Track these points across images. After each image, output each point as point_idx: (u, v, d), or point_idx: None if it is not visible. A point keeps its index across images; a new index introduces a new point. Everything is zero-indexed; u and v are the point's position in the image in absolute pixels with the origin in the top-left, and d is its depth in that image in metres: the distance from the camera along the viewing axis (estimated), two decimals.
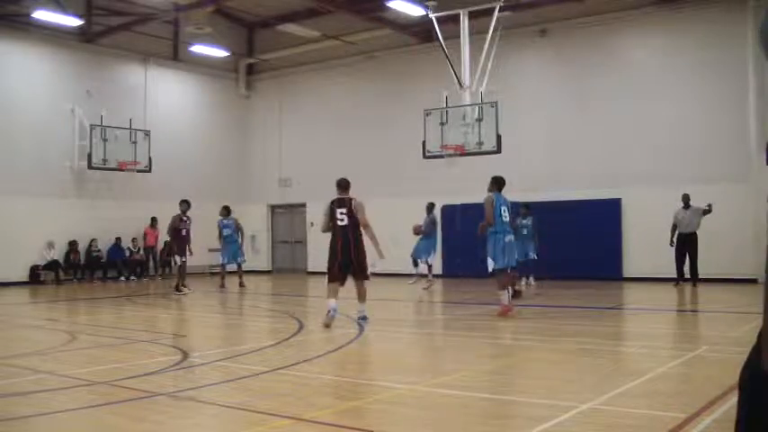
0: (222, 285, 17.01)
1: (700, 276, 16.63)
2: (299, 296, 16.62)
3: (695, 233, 15.62)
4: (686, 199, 15.74)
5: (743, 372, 1.24)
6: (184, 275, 15.93)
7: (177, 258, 15.77)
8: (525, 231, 14.92)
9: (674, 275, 16.84)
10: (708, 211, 15.42)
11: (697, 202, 16.62)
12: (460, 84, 16.58)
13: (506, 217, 10.79)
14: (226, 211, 17.51)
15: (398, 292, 16.37)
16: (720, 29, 17.31)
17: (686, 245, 15.65)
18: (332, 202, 9.77)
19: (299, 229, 24.02)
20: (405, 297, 15.37)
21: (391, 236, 11.23)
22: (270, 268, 24.62)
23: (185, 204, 15.85)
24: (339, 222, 9.61)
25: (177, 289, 15.78)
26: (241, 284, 17.28)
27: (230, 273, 17.94)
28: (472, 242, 18.68)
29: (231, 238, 17.37)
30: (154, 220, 21.28)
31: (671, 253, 17.01)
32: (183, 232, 15.71)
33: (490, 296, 13.06)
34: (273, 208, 24.84)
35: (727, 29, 17.22)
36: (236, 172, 24.67)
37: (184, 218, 15.79)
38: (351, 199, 9.78)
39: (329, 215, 9.72)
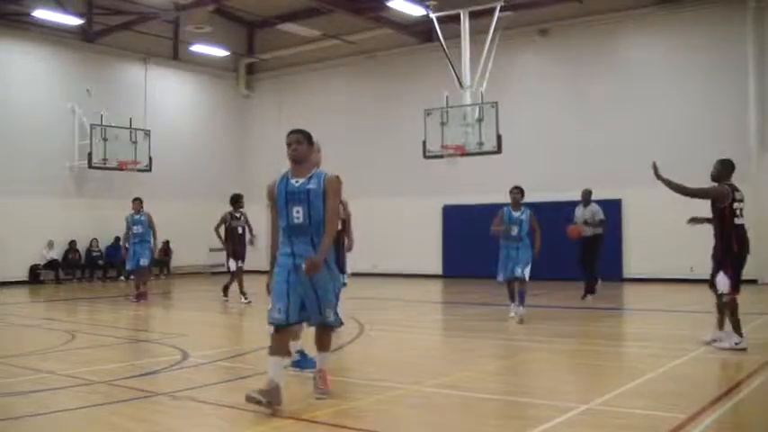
0: (141, 294, 13.93)
1: (701, 277, 16.55)
2: None
3: (600, 235, 13.32)
4: (586, 195, 13.55)
5: None
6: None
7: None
8: (514, 232, 10.19)
9: (673, 276, 16.85)
10: (602, 222, 13.29)
11: (698, 202, 16.47)
12: (461, 84, 16.57)
13: None
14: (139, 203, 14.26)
15: (399, 292, 16.38)
16: (720, 29, 17.31)
17: (586, 248, 13.30)
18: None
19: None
20: (407, 297, 15.36)
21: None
22: (269, 268, 24.62)
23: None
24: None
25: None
26: (140, 294, 13.91)
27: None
28: (472, 242, 18.72)
29: (142, 236, 14.07)
30: None
31: (671, 253, 17.00)
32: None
33: (490, 297, 13.07)
34: None
35: (727, 29, 17.22)
36: (236, 171, 24.64)
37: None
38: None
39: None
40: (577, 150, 18.68)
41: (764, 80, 16.81)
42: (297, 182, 5.25)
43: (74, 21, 19.58)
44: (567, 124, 19.01)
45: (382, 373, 6.43)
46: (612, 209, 18.01)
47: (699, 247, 16.80)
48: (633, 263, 17.84)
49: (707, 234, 17.24)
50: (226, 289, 13.92)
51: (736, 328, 7.63)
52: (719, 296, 7.83)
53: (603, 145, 18.23)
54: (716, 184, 7.97)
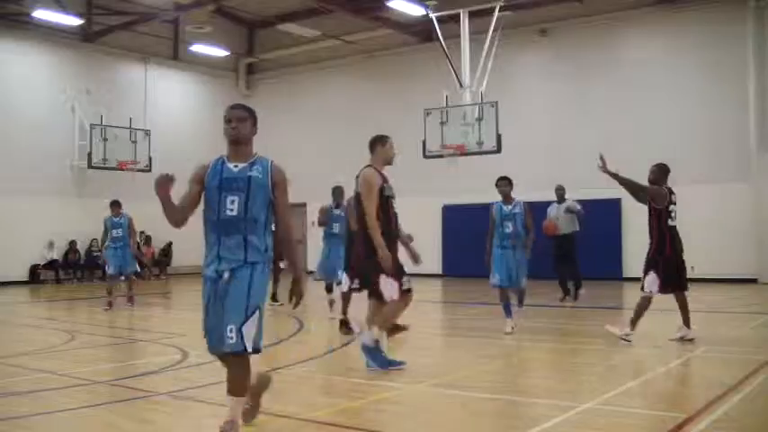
0: (110, 304, 12.82)
1: (700, 276, 16.55)
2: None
3: (573, 234, 13.09)
4: (560, 192, 13.34)
5: None
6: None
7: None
8: (509, 229, 8.95)
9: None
10: (571, 211, 13.06)
11: (698, 202, 16.54)
12: (460, 83, 16.57)
13: None
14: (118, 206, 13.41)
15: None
16: (720, 29, 17.30)
17: (564, 249, 12.96)
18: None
19: (299, 229, 24.00)
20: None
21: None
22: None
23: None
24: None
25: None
26: (130, 299, 13.21)
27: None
28: (472, 242, 18.66)
29: (123, 240, 13.19)
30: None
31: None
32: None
33: (490, 296, 13.05)
34: None
35: (728, 29, 17.21)
36: None
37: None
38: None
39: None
40: (577, 150, 18.66)
41: (764, 80, 16.80)
42: (235, 167, 4.26)
43: (74, 21, 19.58)
44: (566, 124, 19.01)
45: (382, 373, 6.43)
46: (612, 209, 18.02)
47: (699, 247, 16.87)
48: (633, 262, 17.79)
49: (707, 234, 17.29)
50: (274, 295, 12.95)
51: (634, 322, 7.98)
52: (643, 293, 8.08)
53: (603, 144, 18.08)
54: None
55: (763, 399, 5.54)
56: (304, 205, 23.67)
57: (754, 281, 16.15)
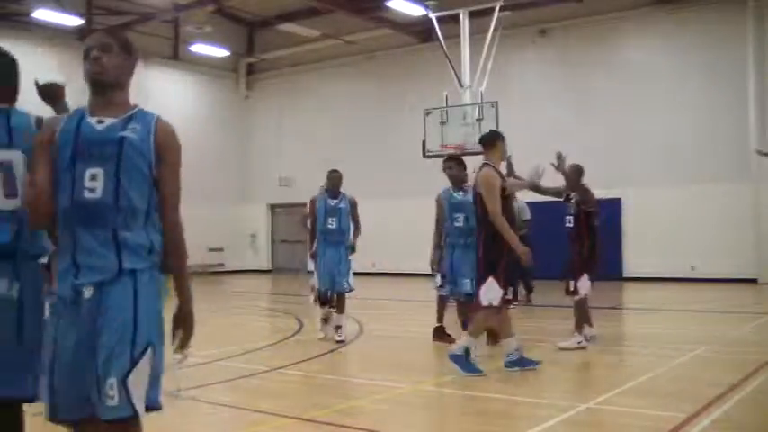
0: None
1: (700, 276, 16.56)
2: (299, 296, 16.61)
3: (525, 236, 12.00)
4: None
5: None
6: None
7: None
8: (460, 222, 7.59)
9: (674, 275, 16.82)
10: (526, 222, 12.22)
11: (698, 202, 16.53)
12: (460, 83, 16.58)
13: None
14: None
15: (398, 291, 16.38)
16: (720, 29, 17.31)
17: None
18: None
19: (299, 229, 24.00)
20: (407, 296, 15.37)
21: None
22: (270, 268, 24.63)
23: None
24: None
25: None
26: None
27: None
28: None
29: None
30: None
31: (671, 252, 16.96)
32: None
33: None
34: (273, 207, 24.85)
35: (727, 29, 17.22)
36: (236, 171, 24.68)
37: None
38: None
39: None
40: (577, 150, 18.47)
41: (764, 80, 16.80)
42: (100, 122, 2.78)
43: (74, 21, 19.59)
44: (566, 123, 19.00)
45: (382, 373, 6.43)
46: (612, 208, 18.01)
47: (699, 247, 16.95)
48: (633, 262, 17.83)
49: (707, 234, 17.24)
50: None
51: (585, 325, 7.90)
52: (575, 297, 7.93)
53: (603, 144, 18.22)
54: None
55: (763, 399, 5.55)
56: (304, 206, 23.68)
57: (754, 281, 16.15)
